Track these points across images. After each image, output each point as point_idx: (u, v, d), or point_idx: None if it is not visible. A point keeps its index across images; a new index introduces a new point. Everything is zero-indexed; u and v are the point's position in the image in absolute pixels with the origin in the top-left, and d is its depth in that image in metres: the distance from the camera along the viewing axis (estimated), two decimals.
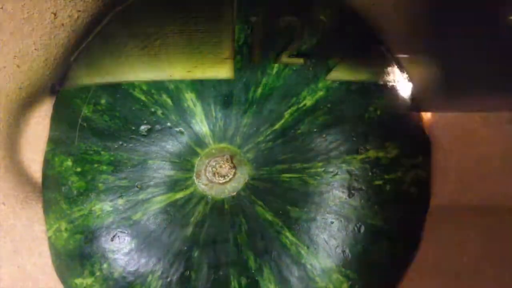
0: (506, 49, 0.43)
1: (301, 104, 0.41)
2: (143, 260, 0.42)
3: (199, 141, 0.41)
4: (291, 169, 0.41)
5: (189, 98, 0.41)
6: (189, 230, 0.41)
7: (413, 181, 0.43)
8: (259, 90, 0.41)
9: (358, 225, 0.42)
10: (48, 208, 0.45)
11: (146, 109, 0.41)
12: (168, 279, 0.42)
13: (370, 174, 0.42)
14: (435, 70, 0.41)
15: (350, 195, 0.41)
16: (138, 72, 0.42)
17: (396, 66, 0.46)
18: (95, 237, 0.42)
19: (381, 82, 0.44)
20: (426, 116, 0.47)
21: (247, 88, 0.41)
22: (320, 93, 0.41)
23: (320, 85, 0.41)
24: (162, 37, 0.42)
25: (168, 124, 0.41)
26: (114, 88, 0.42)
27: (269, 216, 0.41)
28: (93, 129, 0.42)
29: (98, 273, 0.42)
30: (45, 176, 0.45)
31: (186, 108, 0.41)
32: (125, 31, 0.43)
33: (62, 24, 0.46)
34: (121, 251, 0.42)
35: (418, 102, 0.46)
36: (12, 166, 0.48)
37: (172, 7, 0.43)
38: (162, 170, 0.41)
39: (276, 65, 0.41)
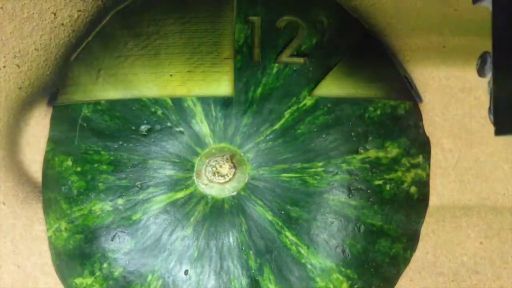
0: None
1: (301, 104, 0.41)
2: (143, 260, 0.42)
3: (199, 141, 0.41)
4: (291, 169, 0.41)
5: (189, 98, 0.41)
6: (189, 229, 0.41)
7: (413, 181, 0.43)
8: (259, 90, 0.41)
9: (358, 225, 0.42)
10: (48, 208, 0.45)
11: (146, 109, 0.41)
12: (168, 279, 0.42)
13: (370, 174, 0.42)
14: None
15: (350, 195, 0.41)
16: (138, 72, 0.42)
17: (396, 65, 0.46)
18: (95, 236, 0.42)
19: (381, 83, 0.44)
20: (426, 116, 0.47)
21: (247, 88, 0.41)
22: None
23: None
24: (162, 37, 0.42)
25: (168, 124, 0.41)
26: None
27: (269, 216, 0.41)
28: (93, 129, 0.42)
29: (98, 273, 0.42)
30: (45, 176, 0.45)
31: (186, 108, 0.41)
32: (125, 31, 0.43)
33: (62, 24, 0.46)
34: (121, 250, 0.42)
35: (418, 101, 0.46)
36: (12, 166, 0.48)
37: (172, 7, 0.43)
38: (162, 170, 0.41)
39: (276, 65, 0.41)
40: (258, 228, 0.41)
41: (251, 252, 0.41)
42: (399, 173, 0.43)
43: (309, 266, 0.41)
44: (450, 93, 0.47)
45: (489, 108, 0.35)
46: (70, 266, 0.44)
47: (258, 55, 0.41)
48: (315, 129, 0.41)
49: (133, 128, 0.42)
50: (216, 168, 0.41)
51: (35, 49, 0.46)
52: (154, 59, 0.42)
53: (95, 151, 0.42)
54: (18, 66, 0.46)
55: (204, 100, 0.41)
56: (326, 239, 0.41)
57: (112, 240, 0.42)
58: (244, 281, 0.41)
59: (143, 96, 0.41)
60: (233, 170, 0.41)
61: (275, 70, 0.41)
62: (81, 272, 0.43)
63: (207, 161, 0.42)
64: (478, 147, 0.48)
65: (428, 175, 0.45)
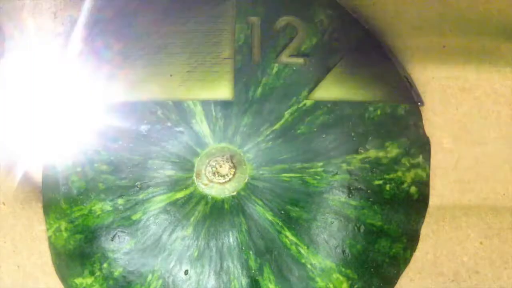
0: None
1: (301, 104, 0.41)
2: (143, 260, 0.42)
3: (199, 141, 0.41)
4: (291, 168, 0.41)
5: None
6: (189, 229, 0.41)
7: (413, 181, 0.44)
8: (259, 90, 0.41)
9: (358, 224, 0.42)
10: (48, 208, 0.45)
11: (146, 109, 0.41)
12: (168, 279, 0.42)
13: (370, 174, 0.42)
14: None
15: (350, 195, 0.41)
16: (139, 72, 0.42)
17: (396, 66, 0.46)
18: (95, 237, 0.42)
19: (381, 83, 0.44)
20: (426, 116, 0.47)
21: (247, 88, 0.41)
22: None
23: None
24: (162, 37, 0.42)
25: (168, 124, 0.41)
26: None
27: (269, 216, 0.41)
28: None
29: (98, 273, 0.42)
30: (45, 176, 0.45)
31: (186, 108, 0.41)
32: (125, 31, 0.43)
33: (62, 24, 0.46)
34: (121, 250, 0.42)
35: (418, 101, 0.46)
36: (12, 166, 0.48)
37: (172, 7, 0.43)
38: (162, 170, 0.42)
39: (276, 65, 0.41)
40: (258, 228, 0.41)
41: (251, 252, 0.41)
42: (399, 173, 0.43)
43: (309, 266, 0.41)
44: (450, 93, 0.47)
45: None
46: (70, 266, 0.44)
47: (258, 55, 0.41)
48: (315, 129, 0.41)
49: (133, 128, 0.42)
50: (216, 168, 0.41)
51: None
52: (154, 59, 0.42)
53: (95, 150, 0.42)
54: None
55: (204, 100, 0.41)
56: (326, 239, 0.41)
57: (112, 240, 0.42)
58: (244, 281, 0.41)
59: (144, 96, 0.41)
60: (233, 170, 0.41)
61: (275, 70, 0.41)
62: (81, 272, 0.43)
63: (207, 161, 0.42)
64: (478, 147, 0.48)
65: (428, 175, 0.45)
